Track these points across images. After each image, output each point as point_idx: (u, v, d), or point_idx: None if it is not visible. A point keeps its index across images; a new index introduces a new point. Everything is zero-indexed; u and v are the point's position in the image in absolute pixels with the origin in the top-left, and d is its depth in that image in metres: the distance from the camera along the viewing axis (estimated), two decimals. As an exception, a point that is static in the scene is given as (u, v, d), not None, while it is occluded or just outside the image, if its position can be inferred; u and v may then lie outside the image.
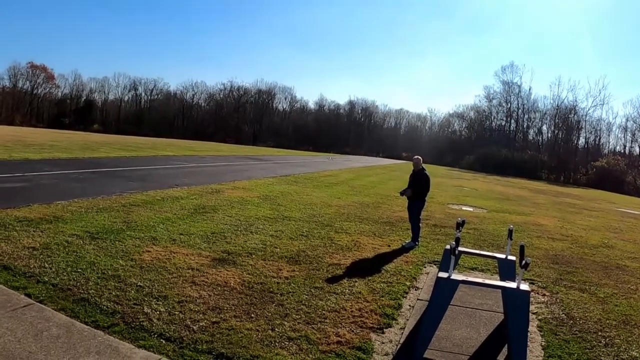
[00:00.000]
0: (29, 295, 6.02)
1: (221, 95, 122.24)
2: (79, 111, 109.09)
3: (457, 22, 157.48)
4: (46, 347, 4.78)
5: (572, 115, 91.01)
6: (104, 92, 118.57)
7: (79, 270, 7.12)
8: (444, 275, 5.69)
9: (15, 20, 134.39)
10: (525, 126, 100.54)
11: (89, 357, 4.72)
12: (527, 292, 5.49)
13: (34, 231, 8.92)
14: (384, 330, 6.25)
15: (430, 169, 12.34)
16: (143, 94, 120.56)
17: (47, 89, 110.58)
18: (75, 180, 16.31)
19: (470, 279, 6.06)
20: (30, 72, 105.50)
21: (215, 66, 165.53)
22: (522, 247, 6.22)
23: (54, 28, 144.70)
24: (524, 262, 5.56)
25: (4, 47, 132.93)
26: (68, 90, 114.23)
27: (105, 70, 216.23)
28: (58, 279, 6.69)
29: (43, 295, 6.09)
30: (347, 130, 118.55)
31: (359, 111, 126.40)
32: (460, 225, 7.62)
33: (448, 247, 5.97)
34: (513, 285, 5.57)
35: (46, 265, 7.18)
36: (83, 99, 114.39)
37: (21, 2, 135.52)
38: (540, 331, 6.76)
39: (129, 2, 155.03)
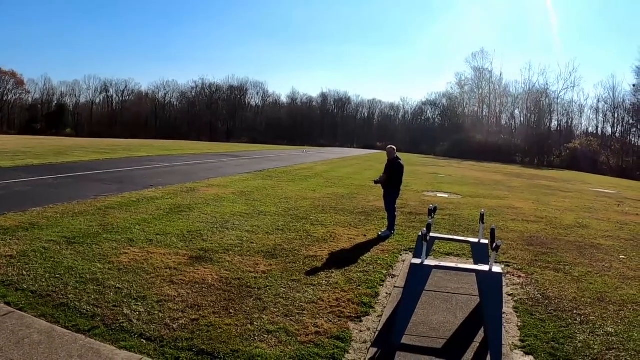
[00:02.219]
0: (8, 304, 6.02)
1: (193, 94, 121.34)
2: (50, 116, 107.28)
3: (427, 9, 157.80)
4: (28, 353, 4.81)
5: (544, 98, 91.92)
6: (75, 96, 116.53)
7: (58, 275, 7.13)
8: (417, 261, 5.80)
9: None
10: (497, 111, 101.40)
11: (71, 360, 4.77)
12: (499, 274, 5.61)
13: (10, 239, 8.86)
14: (362, 318, 6.37)
15: (404, 157, 12.50)
16: (115, 96, 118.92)
17: (17, 95, 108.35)
18: (50, 186, 16.15)
19: (443, 264, 6.20)
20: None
21: (186, 64, 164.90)
22: (492, 230, 6.38)
23: (21, 33, 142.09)
24: (495, 244, 5.71)
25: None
26: (39, 95, 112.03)
27: (75, 74, 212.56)
28: (37, 285, 6.69)
29: (23, 302, 6.09)
30: (320, 122, 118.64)
31: (332, 103, 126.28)
32: (432, 211, 7.77)
33: (421, 234, 6.09)
34: (485, 268, 5.69)
35: (24, 272, 7.16)
36: (54, 104, 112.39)
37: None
38: (516, 312, 6.92)
39: (95, 3, 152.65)
